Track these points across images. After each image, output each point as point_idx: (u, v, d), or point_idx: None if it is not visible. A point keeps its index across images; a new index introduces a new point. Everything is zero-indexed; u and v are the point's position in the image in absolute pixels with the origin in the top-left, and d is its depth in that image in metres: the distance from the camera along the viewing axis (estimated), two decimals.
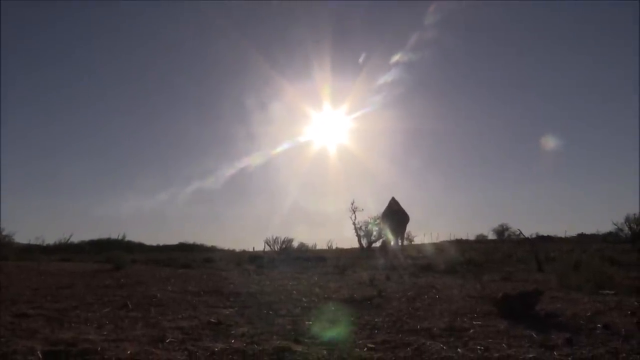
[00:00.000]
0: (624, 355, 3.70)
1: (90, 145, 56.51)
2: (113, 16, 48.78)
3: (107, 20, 49.93)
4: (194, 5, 45.41)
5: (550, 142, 42.77)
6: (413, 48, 40.20)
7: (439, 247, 28.54)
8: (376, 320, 5.41)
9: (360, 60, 35.13)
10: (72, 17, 49.92)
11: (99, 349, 3.75)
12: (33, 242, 25.09)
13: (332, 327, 5.02)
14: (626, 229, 28.90)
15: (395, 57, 38.70)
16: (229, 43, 46.47)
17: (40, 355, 3.52)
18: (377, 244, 30.14)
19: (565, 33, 52.57)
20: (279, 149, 41.60)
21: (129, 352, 3.68)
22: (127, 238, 29.72)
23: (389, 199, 27.61)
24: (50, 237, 29.66)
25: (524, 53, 54.16)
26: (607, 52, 51.09)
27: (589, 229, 36.72)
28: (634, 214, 28.54)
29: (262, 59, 42.93)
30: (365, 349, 3.99)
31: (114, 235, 29.27)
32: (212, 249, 33.75)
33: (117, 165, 57.75)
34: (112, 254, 15.18)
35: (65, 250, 23.79)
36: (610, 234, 30.86)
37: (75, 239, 27.77)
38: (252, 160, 43.95)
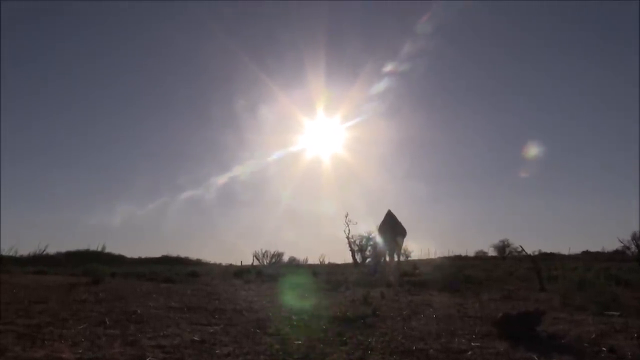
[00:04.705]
0: None
1: (69, 152, 56.28)
2: (102, 19, 49.05)
3: (96, 24, 50.17)
4: (187, 11, 45.84)
5: (554, 155, 43.08)
6: (408, 57, 40.88)
7: (436, 263, 28.52)
8: (369, 340, 5.39)
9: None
10: (58, 20, 50.14)
11: None
12: (5, 253, 24.81)
13: (322, 346, 4.99)
14: (633, 247, 29.13)
15: (390, 66, 39.24)
16: (223, 50, 46.90)
17: None
18: (372, 260, 30.08)
19: (560, 41, 53.47)
20: (270, 159, 41.75)
21: None
22: (107, 250, 29.48)
23: (385, 212, 27.66)
24: (25, 248, 29.38)
25: (521, 61, 54.99)
26: (611, 62, 51.86)
27: (594, 247, 37.01)
28: None
29: (255, 65, 43.28)
30: None
31: (93, 246, 29.05)
32: (198, 263, 33.59)
33: (98, 173, 57.60)
34: (90, 266, 15.01)
35: (40, 262, 23.51)
36: (616, 252, 31.07)
37: (51, 250, 27.53)
38: (242, 170, 44.07)
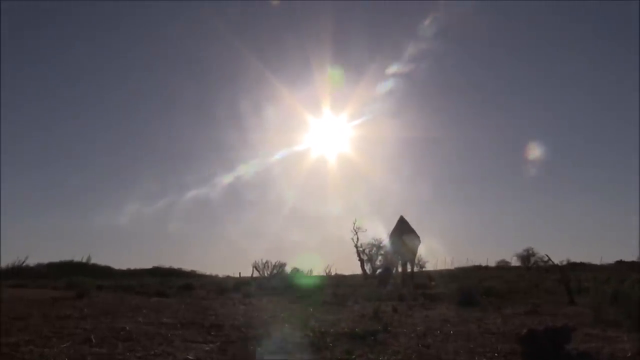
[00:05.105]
0: None
1: (52, 153, 56.40)
2: (106, 19, 50.01)
3: (100, 23, 51.13)
4: (190, 9, 46.75)
5: (583, 158, 42.90)
6: (417, 53, 41.44)
7: (453, 274, 28.44)
8: (380, 358, 5.37)
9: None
10: (62, 20, 51.18)
11: None
12: None
13: None
14: None
15: (398, 63, 39.72)
16: (228, 50, 47.67)
17: None
18: (383, 270, 30.08)
19: (563, 40, 53.76)
20: (274, 158, 42.01)
21: None
22: (93, 261, 29.59)
23: (396, 216, 27.61)
24: (3, 259, 29.48)
25: (544, 54, 55.14)
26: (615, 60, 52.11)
27: (628, 256, 36.71)
28: None
29: (261, 64, 43.96)
30: None
31: (77, 257, 29.14)
32: (192, 275, 33.67)
33: (83, 176, 57.56)
34: (75, 279, 15.08)
35: (19, 275, 23.60)
36: None
37: (32, 261, 27.61)
38: (246, 169, 44.29)
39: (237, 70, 54.12)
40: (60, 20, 52.08)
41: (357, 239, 31.68)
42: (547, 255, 26.39)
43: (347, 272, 34.13)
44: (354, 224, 31.61)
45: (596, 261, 37.00)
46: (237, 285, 19.72)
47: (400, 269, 26.43)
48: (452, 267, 38.03)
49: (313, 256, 31.49)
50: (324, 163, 47.03)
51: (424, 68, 46.55)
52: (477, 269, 36.01)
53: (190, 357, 5.29)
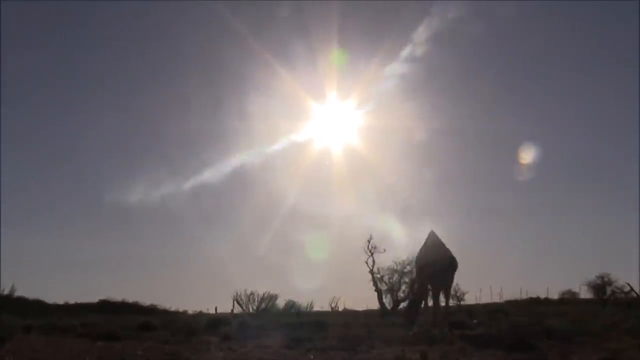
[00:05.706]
0: None
1: None
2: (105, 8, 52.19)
3: (98, 12, 53.69)
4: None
5: None
6: (439, 28, 42.16)
7: (503, 309, 28.45)
8: None
9: None
10: (72, 13, 53.91)
11: None
12: None
13: None
14: None
15: (417, 38, 40.40)
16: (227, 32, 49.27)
17: None
18: (408, 304, 30.11)
19: (562, 44, 54.65)
20: (271, 150, 42.67)
21: None
22: (18, 293, 29.65)
23: (418, 225, 27.60)
24: None
25: None
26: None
27: None
28: None
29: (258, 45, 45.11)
30: None
31: None
32: (152, 310, 33.68)
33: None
34: None
35: None
36: None
37: None
38: (239, 163, 45.03)
39: (232, 51, 55.65)
40: (82, 19, 58.21)
41: (373, 262, 31.46)
42: (628, 285, 26.31)
43: (359, 307, 34.19)
44: (369, 242, 31.43)
45: None
46: (213, 324, 19.72)
47: (431, 303, 26.42)
48: (500, 300, 38.01)
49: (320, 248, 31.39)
50: (328, 155, 47.81)
51: (451, 41, 47.31)
52: (535, 302, 35.95)
53: None
